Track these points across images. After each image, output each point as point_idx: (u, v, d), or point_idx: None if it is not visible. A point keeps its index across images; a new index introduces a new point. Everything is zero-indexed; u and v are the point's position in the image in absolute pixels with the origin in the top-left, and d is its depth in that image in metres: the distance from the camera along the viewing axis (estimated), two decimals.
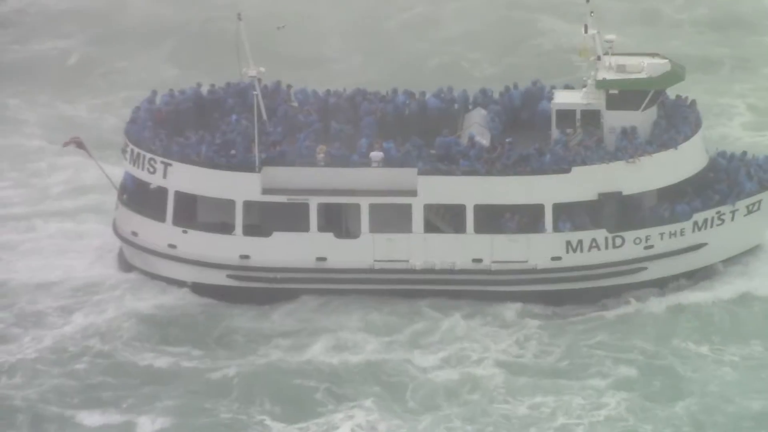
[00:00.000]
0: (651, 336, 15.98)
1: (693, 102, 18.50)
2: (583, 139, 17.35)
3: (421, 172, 16.69)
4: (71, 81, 28.99)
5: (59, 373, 14.69)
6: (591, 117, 17.73)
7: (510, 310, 16.88)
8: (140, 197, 18.25)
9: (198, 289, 17.57)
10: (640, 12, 33.30)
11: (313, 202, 17.10)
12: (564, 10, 31.69)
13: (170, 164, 17.30)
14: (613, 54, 18.00)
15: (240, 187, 17.51)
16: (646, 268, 17.21)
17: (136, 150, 17.54)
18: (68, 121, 25.89)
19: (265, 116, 17.79)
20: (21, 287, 17.78)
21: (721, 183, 17.65)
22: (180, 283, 17.74)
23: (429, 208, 17.44)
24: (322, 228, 17.49)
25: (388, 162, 17.01)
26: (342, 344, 15.72)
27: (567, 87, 19.04)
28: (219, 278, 17.84)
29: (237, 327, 16.65)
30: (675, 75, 18.20)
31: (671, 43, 28.17)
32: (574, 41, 27.29)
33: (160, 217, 18.01)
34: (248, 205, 17.56)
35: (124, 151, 18.12)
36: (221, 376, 14.65)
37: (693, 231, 17.15)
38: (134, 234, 17.86)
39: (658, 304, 16.94)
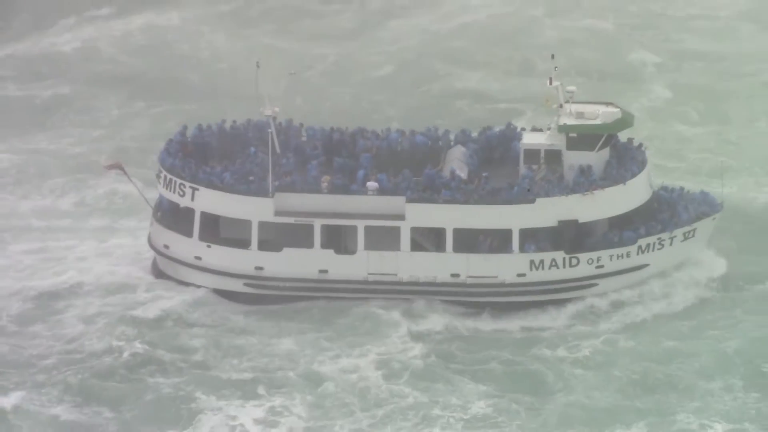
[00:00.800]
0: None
1: (640, 144, 21.18)
2: (546, 174, 20.02)
3: (408, 200, 19.46)
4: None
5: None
6: (553, 156, 20.39)
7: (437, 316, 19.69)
8: (171, 216, 20.82)
9: (219, 294, 20.11)
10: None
11: (317, 224, 19.91)
12: (459, 58, 35.27)
13: (197, 189, 20.03)
14: (573, 102, 20.43)
15: (256, 210, 20.16)
16: (597, 284, 19.80)
17: (169, 176, 20.34)
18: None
19: (278, 149, 20.34)
20: (75, 287, 20.44)
21: (663, 213, 20.26)
22: (203, 289, 20.21)
23: (415, 230, 20.03)
24: (324, 245, 20.14)
25: (381, 191, 19.56)
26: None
27: (534, 129, 21.21)
28: (237, 286, 20.55)
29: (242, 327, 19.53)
30: (625, 122, 20.85)
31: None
32: (468, 86, 29.73)
33: (188, 233, 20.74)
34: (262, 225, 20.19)
35: (158, 177, 20.80)
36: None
37: (637, 254, 19.93)
38: (166, 247, 20.63)
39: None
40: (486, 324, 19.81)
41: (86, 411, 16.65)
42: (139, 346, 18.43)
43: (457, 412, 16.84)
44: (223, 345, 18.93)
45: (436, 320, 19.70)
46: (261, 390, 17.23)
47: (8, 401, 16.45)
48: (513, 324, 19.91)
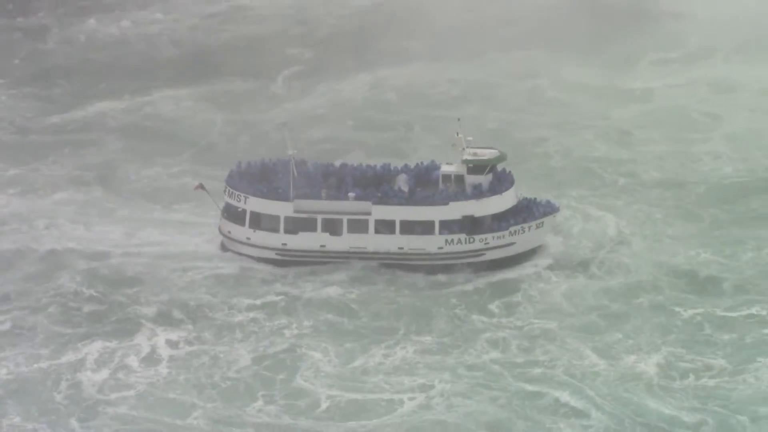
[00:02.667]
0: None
1: (510, 172, 33.22)
2: (455, 189, 32.15)
3: (373, 203, 31.50)
4: None
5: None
6: (459, 178, 32.51)
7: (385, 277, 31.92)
8: (232, 214, 32.95)
9: (260, 260, 32.24)
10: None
11: (319, 217, 31.87)
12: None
13: (248, 197, 32.12)
14: (470, 147, 32.53)
15: (282, 209, 32.60)
16: (484, 254, 31.80)
17: (231, 190, 32.58)
18: None
19: (295, 174, 32.31)
20: (178, 255, 33.03)
21: (523, 212, 32.37)
22: (251, 258, 32.58)
23: (377, 222, 31.80)
24: (323, 230, 32.45)
25: (357, 198, 31.68)
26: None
27: (447, 163, 33.14)
28: (270, 255, 32.74)
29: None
30: (501, 158, 33.02)
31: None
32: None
33: (242, 224, 32.65)
34: (286, 219, 32.53)
35: (224, 191, 32.89)
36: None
37: (509, 236, 31.78)
38: (229, 233, 32.85)
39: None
40: (419, 278, 31.86)
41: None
42: (215, 286, 31.30)
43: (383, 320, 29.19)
44: (258, 285, 31.46)
45: (385, 274, 31.86)
46: (281, 305, 29.93)
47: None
48: (434, 278, 32.23)
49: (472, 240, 32.48)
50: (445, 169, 33.83)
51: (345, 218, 32.66)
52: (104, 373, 26.60)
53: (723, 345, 27.59)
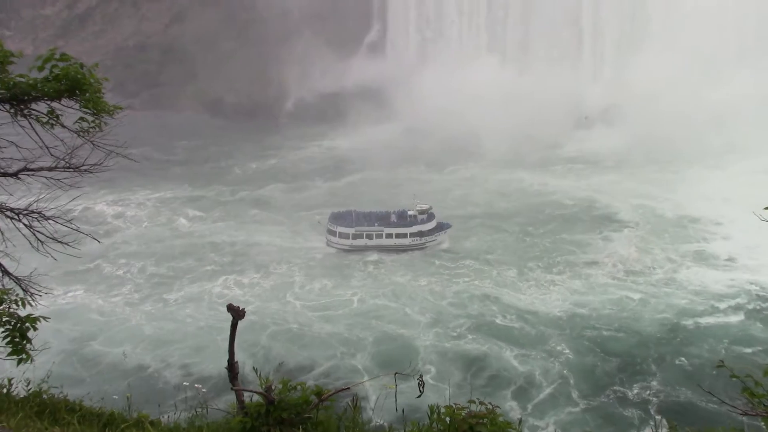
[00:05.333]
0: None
1: (432, 212, 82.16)
2: (414, 220, 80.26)
3: (384, 227, 78.68)
4: None
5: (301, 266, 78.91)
6: (414, 216, 78.90)
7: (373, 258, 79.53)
8: (330, 232, 79.20)
9: (340, 250, 78.29)
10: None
11: (364, 233, 78.24)
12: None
13: (335, 227, 79.36)
14: (418, 204, 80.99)
15: (350, 230, 78.83)
16: (426, 245, 78.12)
17: (330, 224, 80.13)
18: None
19: (354, 217, 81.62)
20: (298, 250, 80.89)
21: (438, 228, 79.43)
22: (335, 247, 79.78)
23: (386, 234, 78.04)
24: (366, 238, 77.89)
25: (378, 225, 79.76)
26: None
27: (410, 210, 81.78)
28: (346, 247, 77.59)
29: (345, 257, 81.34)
30: (430, 208, 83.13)
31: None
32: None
33: (333, 235, 78.59)
34: (352, 234, 78.39)
35: (327, 224, 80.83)
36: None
37: (433, 238, 78.97)
38: (329, 238, 79.20)
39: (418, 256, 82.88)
40: (403, 255, 78.69)
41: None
42: (326, 256, 78.82)
43: (372, 281, 73.57)
44: (340, 256, 78.55)
45: (390, 253, 78.88)
46: (340, 272, 75.48)
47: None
48: (407, 254, 78.73)
49: (420, 240, 78.79)
50: (410, 211, 77.58)
51: (374, 233, 77.70)
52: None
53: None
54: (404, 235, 76.48)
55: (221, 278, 69.41)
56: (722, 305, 59.58)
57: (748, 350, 52.62)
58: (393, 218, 78.81)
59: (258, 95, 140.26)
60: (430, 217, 78.38)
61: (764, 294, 61.74)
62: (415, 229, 76.67)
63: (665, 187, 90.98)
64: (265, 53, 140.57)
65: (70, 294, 64.86)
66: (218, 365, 51.69)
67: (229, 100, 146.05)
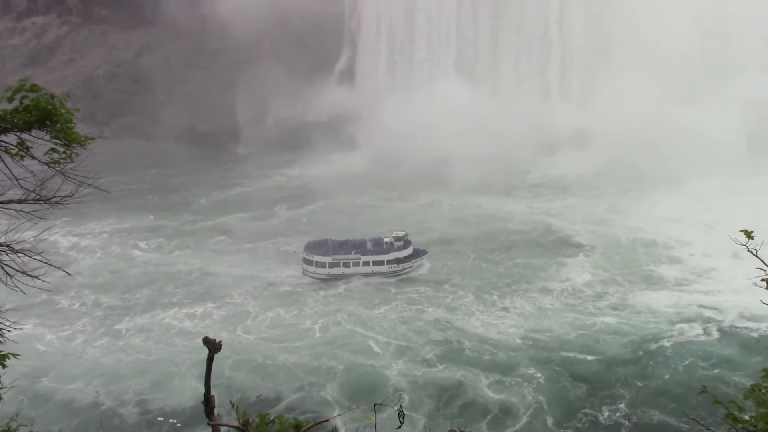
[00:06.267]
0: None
1: (409, 239, 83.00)
2: (390, 247, 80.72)
3: (361, 254, 78.80)
4: None
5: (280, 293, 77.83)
6: (390, 243, 78.83)
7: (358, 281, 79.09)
8: (306, 261, 78.50)
9: (316, 279, 77.71)
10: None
11: (341, 261, 77.59)
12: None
13: (312, 256, 78.69)
14: (394, 231, 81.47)
15: (327, 258, 77.82)
16: (402, 272, 77.88)
17: (305, 254, 79.24)
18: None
19: (330, 245, 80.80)
20: (255, 279, 79.59)
21: (415, 255, 79.69)
22: (312, 277, 78.36)
23: (363, 261, 78.14)
24: (342, 266, 77.34)
25: (354, 253, 79.74)
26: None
27: (386, 237, 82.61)
28: (322, 276, 77.48)
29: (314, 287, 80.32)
30: (406, 235, 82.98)
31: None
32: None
33: (309, 264, 78.08)
34: (328, 263, 78.09)
35: (303, 254, 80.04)
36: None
37: (412, 264, 78.83)
38: (305, 268, 78.48)
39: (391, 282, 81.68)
40: (376, 279, 78.20)
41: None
42: (300, 285, 78.34)
43: (353, 304, 75.60)
44: (313, 290, 78.07)
45: (362, 280, 78.36)
46: (296, 293, 77.37)
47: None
48: (384, 280, 78.36)
49: (397, 267, 79.54)
50: (386, 239, 78.10)
51: (351, 261, 77.37)
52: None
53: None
54: (381, 263, 75.74)
55: (173, 309, 68.60)
56: (678, 327, 60.15)
57: (714, 371, 53.05)
58: (369, 246, 77.92)
59: (228, 124, 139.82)
60: (407, 243, 77.69)
61: (718, 315, 62.11)
62: (392, 256, 76.12)
63: (623, 212, 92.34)
64: (236, 82, 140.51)
65: (18, 328, 63.30)
66: (175, 400, 50.62)
67: (200, 128, 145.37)
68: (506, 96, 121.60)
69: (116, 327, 64.51)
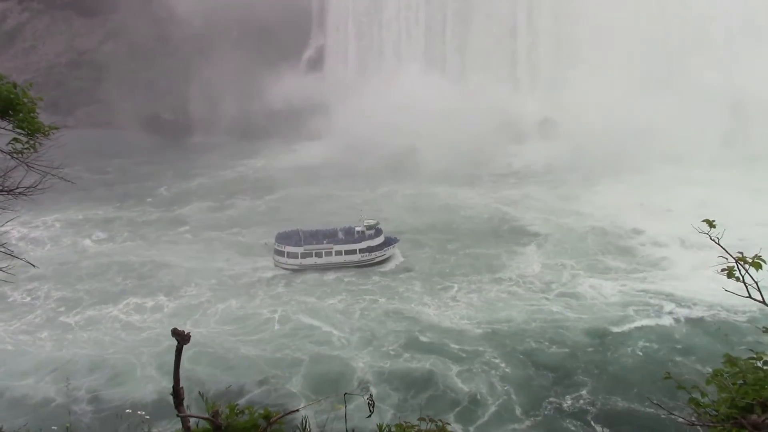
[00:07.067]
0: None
1: (380, 228, 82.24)
2: (362, 236, 79.74)
3: (334, 244, 77.27)
4: None
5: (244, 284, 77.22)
6: (362, 232, 77.50)
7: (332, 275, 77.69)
8: (278, 252, 76.92)
9: (288, 269, 76.38)
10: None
11: (313, 251, 76.11)
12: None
13: (284, 246, 77.06)
14: (365, 219, 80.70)
15: (298, 249, 76.37)
16: (375, 260, 76.93)
17: (277, 245, 77.74)
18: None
19: (301, 235, 79.38)
20: (208, 271, 76.88)
21: (386, 243, 78.97)
22: (284, 268, 76.69)
23: (336, 251, 76.75)
24: (315, 256, 76.12)
25: (327, 243, 77.90)
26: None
27: (358, 226, 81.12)
28: (294, 267, 75.83)
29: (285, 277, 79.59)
30: (378, 224, 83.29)
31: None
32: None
33: (281, 255, 76.76)
34: (300, 253, 76.79)
35: (275, 245, 78.46)
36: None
37: (384, 253, 78.23)
38: (276, 259, 77.16)
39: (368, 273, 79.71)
40: (349, 271, 77.19)
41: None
42: (286, 276, 76.49)
43: (327, 297, 74.77)
44: (304, 280, 76.17)
45: (339, 271, 77.69)
46: (287, 286, 77.37)
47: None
48: (356, 270, 77.61)
49: (369, 255, 78.17)
50: (358, 228, 76.17)
51: (323, 251, 74.76)
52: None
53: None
54: (353, 252, 74.98)
55: (124, 301, 66.95)
56: (630, 314, 60.20)
57: (671, 356, 53.49)
58: (340, 235, 76.99)
59: (195, 112, 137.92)
60: (378, 232, 76.92)
61: (669, 302, 62.41)
62: (364, 245, 75.36)
63: (579, 200, 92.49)
64: (201, 71, 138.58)
65: None
66: (137, 394, 49.24)
67: (166, 117, 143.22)
68: (475, 86, 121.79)
69: (65, 320, 62.83)
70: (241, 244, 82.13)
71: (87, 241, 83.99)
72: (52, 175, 10.70)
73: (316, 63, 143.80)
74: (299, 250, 74.97)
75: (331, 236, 77.30)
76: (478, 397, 48.81)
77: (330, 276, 72.34)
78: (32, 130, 9.88)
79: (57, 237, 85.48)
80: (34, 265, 16.11)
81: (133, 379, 51.64)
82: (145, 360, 54.20)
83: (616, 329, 57.39)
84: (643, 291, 64.87)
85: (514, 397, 48.25)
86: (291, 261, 74.74)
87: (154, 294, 68.13)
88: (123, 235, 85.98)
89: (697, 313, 60.08)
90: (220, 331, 59.82)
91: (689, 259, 70.07)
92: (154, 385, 49.89)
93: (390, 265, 75.42)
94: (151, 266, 75.26)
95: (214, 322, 61.85)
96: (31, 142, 9.98)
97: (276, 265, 75.31)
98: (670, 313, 60.33)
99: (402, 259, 77.14)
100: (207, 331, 59.94)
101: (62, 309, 65.39)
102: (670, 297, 63.30)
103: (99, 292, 68.91)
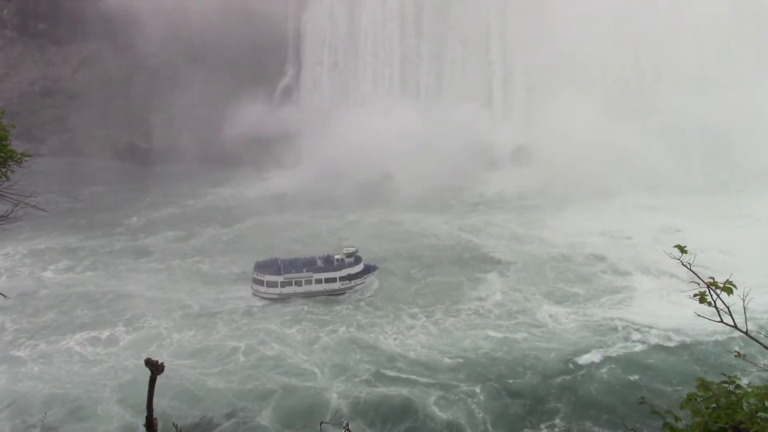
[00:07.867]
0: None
1: (359, 255, 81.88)
2: (341, 264, 78.33)
3: (314, 272, 75.61)
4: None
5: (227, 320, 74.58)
6: (341, 260, 76.09)
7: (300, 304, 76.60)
8: (257, 281, 75.00)
9: (268, 301, 74.35)
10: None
11: (293, 280, 74.48)
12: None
13: (263, 275, 75.19)
14: (345, 247, 78.65)
15: (278, 278, 74.66)
16: (354, 287, 75.60)
17: (256, 272, 75.70)
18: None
19: (280, 264, 77.59)
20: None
21: (365, 271, 78.51)
22: (263, 299, 74.90)
23: (315, 279, 75.13)
24: (295, 285, 74.40)
25: (306, 271, 76.05)
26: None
27: (338, 254, 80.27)
28: (274, 296, 74.07)
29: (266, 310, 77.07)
30: (357, 251, 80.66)
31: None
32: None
33: (261, 284, 74.79)
34: (280, 282, 75.02)
35: (254, 273, 76.49)
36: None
37: (363, 280, 76.48)
38: (255, 288, 75.05)
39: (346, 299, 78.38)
40: (331, 299, 76.00)
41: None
42: (248, 305, 74.01)
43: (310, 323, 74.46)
44: (263, 310, 74.01)
45: (318, 300, 75.29)
46: (249, 316, 74.28)
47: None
48: (335, 298, 75.67)
49: (349, 283, 75.44)
50: (337, 255, 74.47)
51: (303, 279, 72.71)
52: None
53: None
54: (333, 280, 73.60)
55: (80, 333, 64.41)
56: (595, 341, 60.16)
57: (640, 381, 53.11)
58: (319, 263, 75.44)
59: (168, 141, 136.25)
60: (357, 260, 75.53)
61: (633, 326, 62.56)
62: (344, 272, 74.06)
63: (545, 227, 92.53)
64: (177, 99, 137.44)
65: None
66: (100, 428, 46.97)
67: (140, 145, 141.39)
68: (449, 114, 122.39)
69: (16, 354, 60.29)
70: (203, 273, 79.98)
71: (46, 273, 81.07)
72: (25, 204, 9.98)
73: (292, 91, 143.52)
74: (279, 278, 73.15)
75: (310, 264, 75.75)
76: (457, 426, 47.82)
77: (289, 307, 70.81)
78: (4, 157, 9.15)
79: (15, 267, 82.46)
80: (4, 295, 15.00)
81: (95, 414, 49.44)
82: (106, 394, 52.15)
83: (583, 356, 57.18)
84: (605, 318, 64.79)
85: (490, 428, 47.31)
86: (271, 290, 72.93)
87: (113, 325, 65.82)
88: (82, 265, 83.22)
89: (657, 338, 60.06)
90: (182, 364, 57.56)
91: (648, 285, 70.89)
92: (118, 420, 47.96)
93: (368, 292, 73.97)
94: (111, 297, 72.92)
95: (174, 354, 59.58)
96: (3, 170, 9.23)
97: (254, 294, 73.20)
98: (632, 338, 60.42)
99: (377, 286, 75.94)
100: (169, 362, 57.27)
101: (17, 341, 62.64)
102: (630, 322, 63.28)
103: (55, 323, 66.10)
